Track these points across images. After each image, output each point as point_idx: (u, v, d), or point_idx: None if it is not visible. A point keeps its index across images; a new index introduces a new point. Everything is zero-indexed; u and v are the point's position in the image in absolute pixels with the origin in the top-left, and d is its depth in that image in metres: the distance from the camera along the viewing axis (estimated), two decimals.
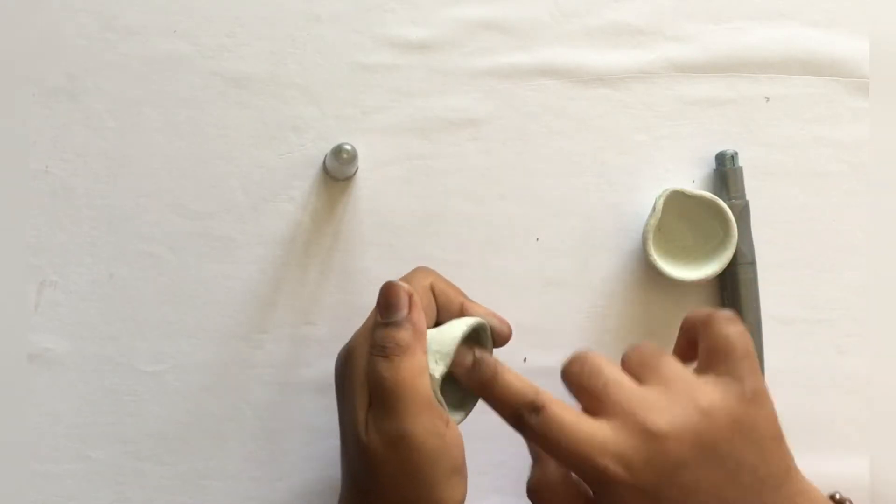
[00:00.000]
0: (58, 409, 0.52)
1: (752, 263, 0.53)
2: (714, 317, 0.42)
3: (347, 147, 0.50)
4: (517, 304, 0.53)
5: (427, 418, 0.41)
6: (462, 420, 0.45)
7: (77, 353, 0.52)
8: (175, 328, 0.52)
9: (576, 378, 0.41)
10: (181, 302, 0.52)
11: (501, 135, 0.54)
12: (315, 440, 0.52)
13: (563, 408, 0.39)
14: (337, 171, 0.52)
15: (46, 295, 0.52)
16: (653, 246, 0.52)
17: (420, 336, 0.43)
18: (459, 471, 0.43)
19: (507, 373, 0.41)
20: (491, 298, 0.53)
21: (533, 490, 0.43)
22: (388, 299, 0.44)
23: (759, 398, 0.40)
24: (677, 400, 0.39)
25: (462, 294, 0.48)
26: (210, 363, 0.52)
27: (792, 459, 0.41)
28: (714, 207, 0.52)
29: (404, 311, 0.43)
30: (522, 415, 0.40)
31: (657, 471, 0.38)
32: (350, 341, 0.46)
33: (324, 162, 0.53)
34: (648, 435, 0.38)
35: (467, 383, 0.43)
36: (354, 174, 0.53)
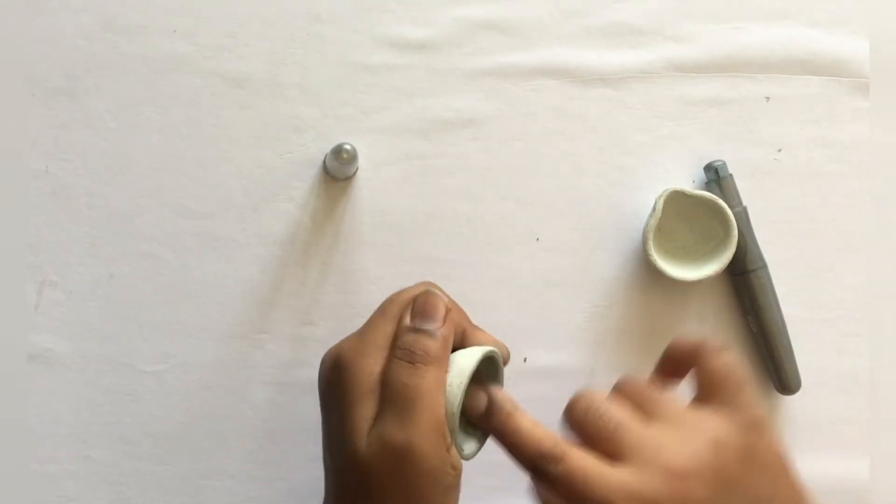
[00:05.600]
0: (58, 409, 0.52)
1: (764, 267, 0.53)
2: (705, 350, 0.41)
3: (347, 147, 0.50)
4: (517, 304, 0.53)
5: (435, 436, 0.40)
6: (475, 453, 0.43)
7: (77, 353, 0.52)
8: (175, 328, 0.52)
9: (582, 422, 0.39)
10: (181, 302, 0.52)
11: (501, 135, 0.54)
12: (315, 440, 0.52)
13: (584, 456, 0.37)
14: (337, 171, 0.52)
15: (46, 295, 0.52)
16: (653, 246, 0.52)
17: (447, 352, 0.42)
18: (452, 495, 0.41)
19: (522, 418, 0.39)
20: (491, 298, 0.53)
21: None
22: (425, 308, 0.42)
23: (759, 427, 0.39)
24: (689, 437, 0.38)
25: (466, 318, 0.46)
26: (210, 363, 0.52)
27: (802, 487, 0.40)
28: (714, 207, 0.52)
29: (439, 323, 0.42)
30: (542, 465, 0.37)
31: None
32: (342, 348, 0.43)
33: (324, 162, 0.53)
34: (671, 476, 0.37)
35: (480, 424, 0.42)
36: (354, 174, 0.53)
